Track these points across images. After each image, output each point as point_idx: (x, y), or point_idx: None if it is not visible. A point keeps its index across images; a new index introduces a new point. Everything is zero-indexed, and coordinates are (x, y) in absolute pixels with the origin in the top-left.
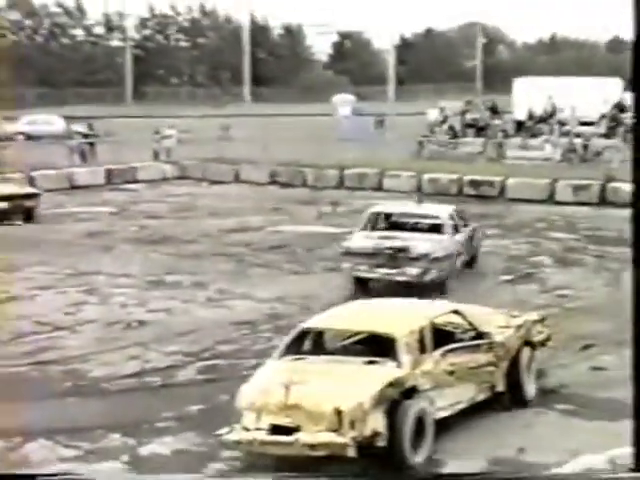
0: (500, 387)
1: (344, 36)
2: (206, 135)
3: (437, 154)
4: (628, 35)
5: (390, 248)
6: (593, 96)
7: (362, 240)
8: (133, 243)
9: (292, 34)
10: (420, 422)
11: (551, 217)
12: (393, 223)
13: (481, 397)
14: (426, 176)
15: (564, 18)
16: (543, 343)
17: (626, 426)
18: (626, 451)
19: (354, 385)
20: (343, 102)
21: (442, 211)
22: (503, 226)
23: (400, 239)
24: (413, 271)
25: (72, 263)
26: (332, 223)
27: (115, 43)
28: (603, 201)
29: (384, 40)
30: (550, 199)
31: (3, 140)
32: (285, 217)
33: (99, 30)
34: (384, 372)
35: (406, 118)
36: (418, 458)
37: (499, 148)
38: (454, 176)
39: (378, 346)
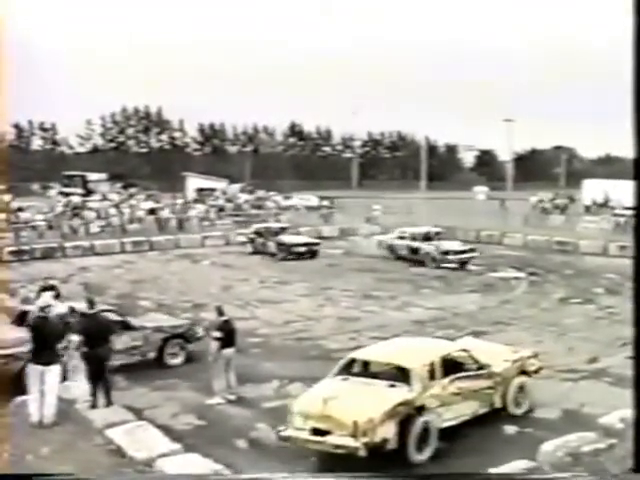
0: (497, 404)
1: (482, 152)
2: (398, 210)
3: (536, 224)
4: None
5: None
6: (631, 191)
7: None
8: (353, 271)
9: (451, 150)
10: (426, 430)
11: (604, 264)
12: None
13: (482, 411)
14: (529, 237)
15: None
16: (535, 372)
17: None
18: None
19: (372, 403)
20: (480, 191)
21: None
22: (576, 268)
23: None
24: None
25: (318, 282)
26: (473, 263)
27: (347, 155)
28: None
29: (506, 155)
30: (604, 253)
31: (283, 209)
32: None
33: (339, 147)
34: (398, 394)
35: (518, 202)
36: (422, 457)
37: (574, 222)
38: (547, 238)
39: (401, 373)
